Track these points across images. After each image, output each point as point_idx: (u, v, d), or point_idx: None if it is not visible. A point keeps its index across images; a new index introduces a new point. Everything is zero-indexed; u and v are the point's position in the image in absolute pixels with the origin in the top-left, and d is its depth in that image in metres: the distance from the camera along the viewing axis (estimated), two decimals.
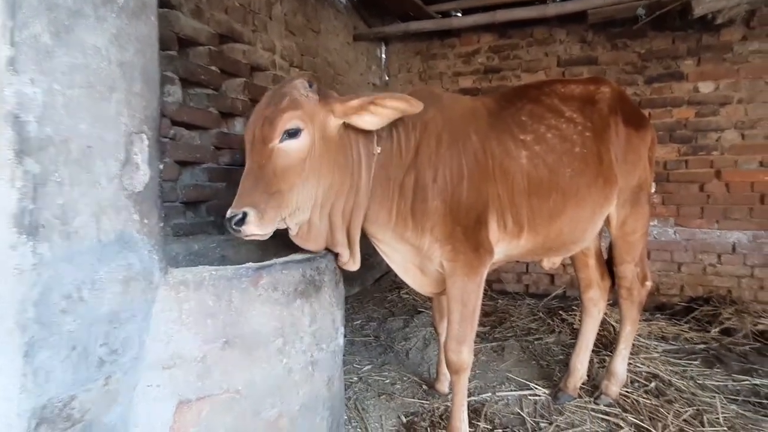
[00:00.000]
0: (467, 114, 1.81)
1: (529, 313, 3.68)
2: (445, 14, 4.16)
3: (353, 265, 1.68)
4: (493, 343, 3.09)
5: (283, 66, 3.00)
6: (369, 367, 2.70)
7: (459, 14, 4.23)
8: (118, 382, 1.12)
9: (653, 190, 3.87)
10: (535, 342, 3.10)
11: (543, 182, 1.79)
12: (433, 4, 3.90)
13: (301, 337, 1.47)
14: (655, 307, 3.78)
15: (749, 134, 3.62)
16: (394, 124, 1.73)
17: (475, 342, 3.05)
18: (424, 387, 2.45)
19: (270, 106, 1.41)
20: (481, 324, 3.52)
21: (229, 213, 1.34)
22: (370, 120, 1.51)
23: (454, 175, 1.68)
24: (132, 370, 1.14)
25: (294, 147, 1.42)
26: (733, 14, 2.92)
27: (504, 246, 1.83)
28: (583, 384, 2.32)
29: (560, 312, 3.55)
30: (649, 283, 2.22)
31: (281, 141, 1.40)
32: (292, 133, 1.41)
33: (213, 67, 2.35)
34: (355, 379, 2.54)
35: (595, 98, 2.00)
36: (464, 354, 1.76)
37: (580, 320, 2.46)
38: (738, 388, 2.41)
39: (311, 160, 1.45)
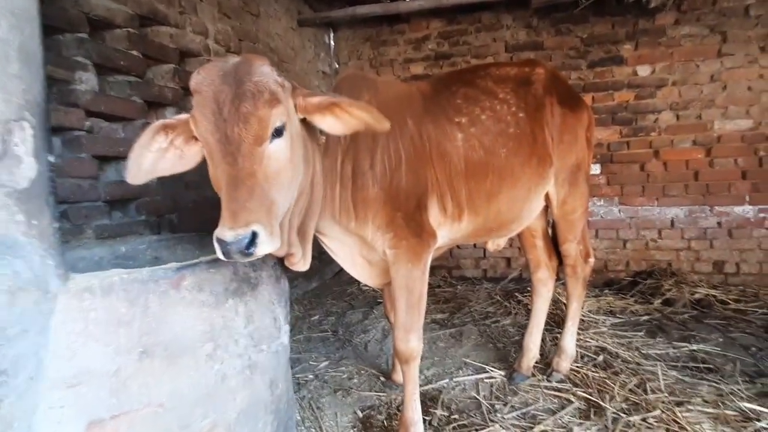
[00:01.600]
0: (402, 98, 1.76)
1: (487, 297, 3.73)
2: None
3: (304, 265, 1.57)
4: (452, 329, 3.09)
5: (219, 51, 2.81)
6: (326, 363, 2.62)
7: None
8: (12, 406, 0.97)
9: (599, 171, 4.02)
10: (492, 325, 3.13)
11: (479, 164, 1.78)
12: None
13: (235, 340, 1.36)
14: (604, 283, 3.94)
15: (683, 114, 3.80)
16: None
17: (433, 329, 3.11)
18: (382, 379, 2.40)
19: (246, 100, 1.14)
20: (440, 311, 3.54)
21: (229, 236, 1.06)
22: (332, 123, 1.32)
23: (391, 161, 1.63)
24: (29, 391, 1.00)
25: (282, 147, 1.22)
26: None
27: (446, 229, 1.81)
28: (536, 363, 2.36)
29: (516, 294, 3.61)
30: (591, 260, 2.28)
31: (271, 142, 1.19)
32: (278, 132, 1.21)
33: (134, 52, 2.15)
34: (311, 377, 2.45)
35: (530, 79, 2.00)
36: (413, 342, 1.71)
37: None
38: (678, 354, 2.53)
39: (292, 159, 1.28)
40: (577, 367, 2.33)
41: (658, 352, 2.55)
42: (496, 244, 2.19)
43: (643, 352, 2.55)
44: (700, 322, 3.04)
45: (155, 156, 1.24)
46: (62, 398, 1.04)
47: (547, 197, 2.08)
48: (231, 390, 1.32)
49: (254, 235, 1.08)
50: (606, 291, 3.71)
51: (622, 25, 3.85)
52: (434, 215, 1.74)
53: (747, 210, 3.71)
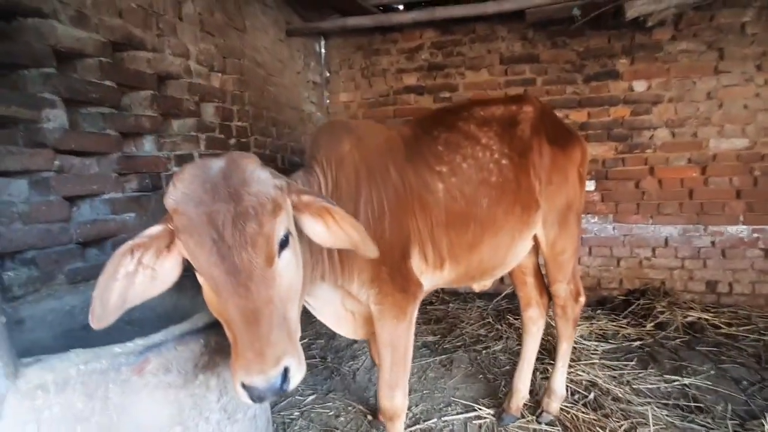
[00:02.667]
0: (384, 146, 1.69)
1: (479, 317, 3.68)
2: (387, 8, 3.94)
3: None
4: (442, 356, 3.04)
5: (201, 72, 2.69)
6: (312, 397, 2.56)
7: (401, 7, 4.03)
8: None
9: (593, 188, 3.95)
10: (483, 352, 3.08)
11: (460, 214, 1.71)
12: None
13: (206, 417, 1.29)
14: (596, 302, 3.91)
15: (679, 132, 3.73)
16: (310, 165, 1.56)
17: (424, 356, 3.06)
18: (369, 417, 2.35)
19: (251, 218, 0.99)
20: (431, 332, 3.49)
21: (262, 382, 0.94)
22: (320, 233, 1.18)
23: (375, 212, 1.55)
24: None
25: (290, 257, 1.09)
26: (663, 17, 2.94)
27: (427, 277, 1.75)
28: (526, 401, 2.31)
29: (508, 316, 3.57)
30: (582, 299, 2.22)
31: (279, 256, 1.05)
32: (284, 241, 1.06)
33: (107, 82, 2.03)
34: (296, 414, 2.40)
35: (517, 119, 1.92)
36: (397, 399, 1.66)
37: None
38: (669, 390, 2.50)
39: (298, 263, 1.15)
40: (568, 406, 2.28)
41: (650, 386, 2.51)
42: (482, 284, 2.13)
43: (634, 387, 2.51)
44: (692, 348, 3.01)
45: (123, 285, 1.04)
46: None
47: (535, 238, 2.01)
48: None
49: (286, 371, 0.97)
50: (599, 311, 3.67)
51: (619, 39, 3.76)
52: (416, 264, 1.68)
53: (741, 230, 3.68)
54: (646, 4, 2.80)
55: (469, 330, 3.46)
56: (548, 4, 3.11)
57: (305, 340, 3.36)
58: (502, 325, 3.45)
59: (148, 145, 2.30)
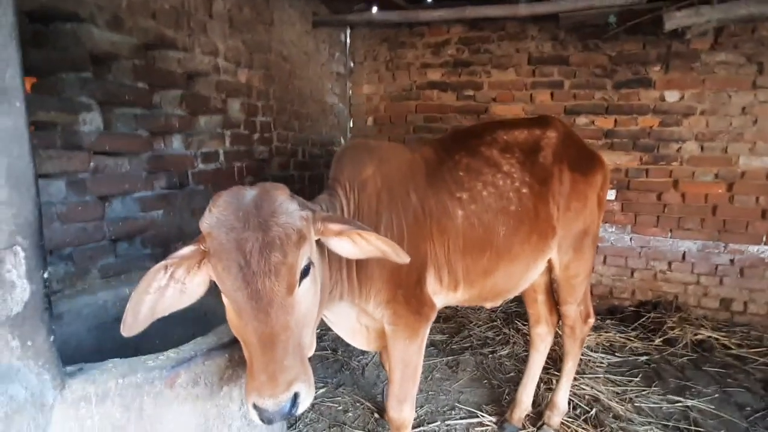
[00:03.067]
0: (405, 169, 1.71)
1: (487, 319, 3.74)
2: (415, 1, 3.86)
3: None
4: (449, 357, 3.13)
5: (229, 69, 2.72)
6: (323, 390, 2.69)
7: (430, 0, 3.94)
8: None
9: (614, 197, 3.90)
10: (490, 356, 3.16)
11: (478, 241, 1.74)
12: None
13: (229, 425, 1.39)
14: (607, 311, 3.92)
15: (708, 146, 3.63)
16: (333, 187, 1.60)
17: (431, 355, 3.15)
18: (376, 416, 2.46)
19: (276, 248, 1.04)
20: (440, 332, 3.57)
21: (272, 406, 1.00)
22: (348, 248, 1.24)
23: (394, 237, 1.59)
24: None
25: (309, 285, 1.15)
26: (703, 30, 2.82)
27: (441, 297, 1.81)
28: (528, 413, 2.39)
29: (516, 321, 3.62)
30: (591, 320, 2.25)
31: (299, 284, 1.11)
32: (305, 271, 1.12)
33: (140, 84, 2.08)
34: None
35: (540, 145, 1.91)
36: (405, 412, 1.74)
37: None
38: (671, 410, 2.54)
39: (316, 291, 1.22)
40: (569, 420, 2.35)
41: (652, 405, 2.56)
42: (493, 303, 2.18)
43: (636, 404, 2.56)
44: (699, 368, 3.03)
45: (153, 297, 1.11)
46: None
47: (549, 261, 2.03)
48: None
49: (296, 396, 1.03)
50: (608, 321, 3.69)
51: (654, 46, 3.62)
52: (430, 285, 1.73)
53: (762, 250, 3.61)
54: (686, 17, 2.69)
55: (476, 332, 3.53)
56: (583, 9, 3.01)
57: (318, 330, 3.48)
58: (509, 330, 3.50)
59: (176, 143, 2.36)
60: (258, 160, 3.07)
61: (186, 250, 1.13)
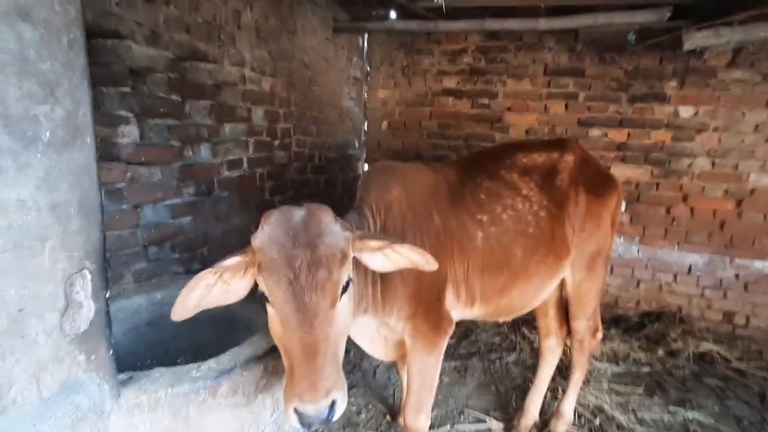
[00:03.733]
0: (429, 191, 1.80)
1: (494, 325, 3.83)
2: (432, 9, 3.90)
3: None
4: (457, 362, 3.23)
5: (254, 78, 2.79)
6: None
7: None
8: None
9: (623, 209, 3.96)
10: (497, 361, 3.25)
11: (496, 261, 1.83)
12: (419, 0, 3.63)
13: (262, 430, 1.50)
14: (612, 319, 4.00)
15: (719, 163, 3.68)
16: (360, 207, 1.68)
17: None
18: (388, 418, 2.57)
19: (323, 266, 1.15)
20: None
21: (313, 411, 1.09)
22: (380, 261, 1.33)
23: None
24: None
25: (347, 301, 1.26)
26: (721, 50, 2.86)
27: (457, 312, 1.90)
28: (535, 421, 2.49)
29: (523, 327, 3.71)
30: (599, 334, 2.34)
31: (339, 299, 1.21)
32: (345, 287, 1.23)
33: (173, 96, 2.17)
34: None
35: (557, 168, 1.99)
36: (421, 421, 1.84)
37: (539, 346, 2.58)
38: (671, 422, 2.63)
39: (352, 307, 1.33)
40: (574, 429, 2.45)
41: (654, 417, 2.65)
42: (505, 318, 2.27)
43: (638, 415, 2.66)
44: (700, 380, 3.12)
45: (201, 293, 1.22)
46: None
47: (562, 278, 2.11)
48: None
49: (333, 403, 1.12)
50: (612, 330, 3.77)
51: (671, 61, 3.66)
52: (449, 301, 1.82)
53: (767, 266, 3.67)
54: (706, 38, 2.73)
55: (483, 337, 3.63)
56: (603, 25, 3.05)
57: None
58: (516, 336, 3.60)
59: (204, 152, 2.45)
60: (278, 165, 3.15)
61: (233, 260, 1.23)
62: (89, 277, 1.08)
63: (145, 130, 2.07)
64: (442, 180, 1.86)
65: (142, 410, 1.22)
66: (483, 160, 2.04)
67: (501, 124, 4.25)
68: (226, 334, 2.02)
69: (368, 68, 4.58)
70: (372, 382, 2.96)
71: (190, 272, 2.30)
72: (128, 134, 1.97)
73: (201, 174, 2.42)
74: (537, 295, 2.00)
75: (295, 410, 1.11)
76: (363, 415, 2.60)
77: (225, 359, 1.44)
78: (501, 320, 2.33)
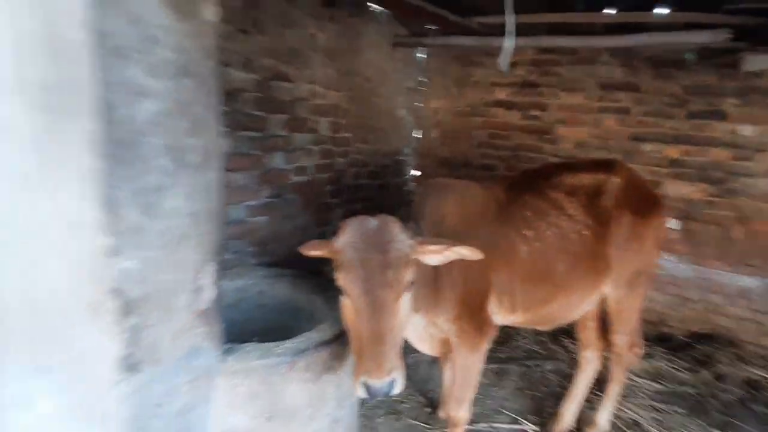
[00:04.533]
0: (479, 207, 1.99)
1: (534, 333, 3.93)
2: (488, 25, 4.04)
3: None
4: (495, 365, 3.38)
5: (322, 93, 3.10)
6: None
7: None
8: None
9: (677, 227, 3.91)
10: (535, 368, 3.37)
11: (538, 275, 1.99)
12: (475, 16, 3.80)
13: (326, 403, 1.77)
14: (657, 338, 3.97)
15: None
16: (416, 220, 1.90)
17: None
18: (428, 410, 2.79)
19: (392, 268, 1.39)
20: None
21: (378, 385, 1.35)
22: (435, 259, 1.58)
23: (466, 266, 1.87)
24: None
25: (408, 299, 1.50)
26: None
27: (500, 318, 2.08)
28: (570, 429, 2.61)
29: (562, 337, 3.79)
30: (638, 350, 2.42)
31: (402, 296, 1.44)
32: (408, 287, 1.46)
33: (257, 112, 2.50)
34: None
35: (603, 189, 2.11)
36: (462, 412, 2.05)
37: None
38: None
39: (410, 303, 1.55)
40: None
41: None
42: (546, 328, 2.42)
43: None
44: (746, 406, 3.07)
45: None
46: None
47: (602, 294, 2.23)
48: None
49: (393, 381, 1.38)
50: (657, 349, 3.75)
51: (731, 79, 3.58)
52: (492, 308, 2.00)
53: None
54: (765, 61, 2.71)
55: (522, 344, 3.74)
56: (660, 44, 3.08)
57: None
58: (556, 346, 3.69)
59: (278, 159, 2.79)
60: (337, 171, 3.45)
61: (316, 252, 1.54)
62: (212, 267, 1.40)
63: (234, 141, 2.43)
64: (491, 197, 2.05)
65: (239, 375, 1.53)
66: (530, 178, 2.20)
67: (551, 136, 4.33)
68: (290, 320, 2.32)
69: (422, 79, 4.79)
70: (415, 375, 3.19)
71: (262, 264, 2.64)
72: (223, 146, 2.32)
73: (275, 179, 2.75)
74: (577, 308, 2.14)
75: (364, 383, 1.37)
76: (405, 405, 2.83)
77: (300, 341, 1.73)
78: (542, 329, 2.48)
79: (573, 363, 3.20)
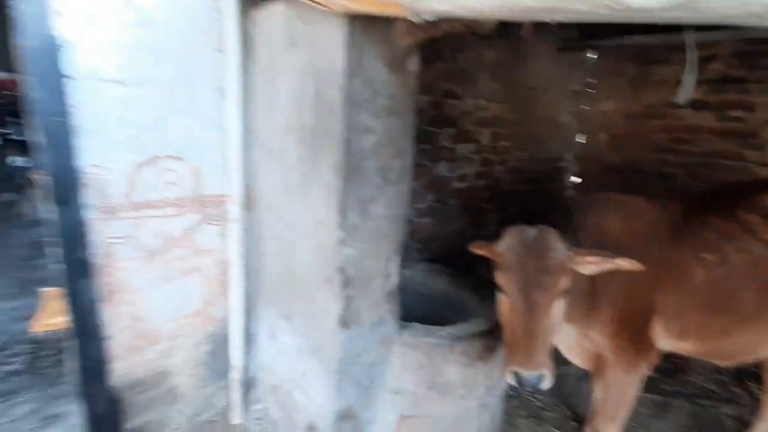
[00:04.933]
0: (648, 225, 1.91)
1: (713, 370, 3.43)
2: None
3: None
4: (658, 397, 3.11)
5: (485, 106, 3.32)
6: None
7: None
8: (370, 397, 1.89)
9: None
10: (708, 408, 2.99)
11: (718, 302, 1.82)
12: None
13: (477, 387, 2.04)
14: None
15: None
16: (575, 232, 1.96)
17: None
18: (573, 423, 2.79)
19: (548, 273, 1.53)
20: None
21: (527, 375, 1.51)
22: (591, 269, 1.65)
23: (628, 282, 1.86)
24: (378, 392, 1.91)
25: (560, 304, 1.61)
26: None
27: (666, 344, 1.96)
28: None
29: (749, 381, 3.21)
30: None
31: (557, 300, 1.57)
32: (561, 294, 1.58)
33: (430, 128, 2.88)
34: (514, 394, 3.03)
35: None
36: (612, 430, 2.05)
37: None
38: None
39: (562, 309, 1.66)
40: None
41: None
42: (725, 363, 2.17)
43: None
44: None
45: None
46: (391, 399, 1.92)
47: None
48: (470, 419, 2.02)
49: (541, 376, 1.55)
50: None
51: None
52: (658, 331, 1.92)
53: None
54: None
55: (696, 380, 3.31)
56: None
57: None
58: (739, 389, 3.16)
59: (443, 168, 3.13)
60: (495, 178, 3.64)
61: (482, 251, 1.72)
62: (397, 259, 1.80)
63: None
64: (665, 215, 1.95)
65: (409, 347, 1.91)
66: (717, 197, 2.01)
67: (756, 140, 3.64)
68: (443, 311, 2.64)
69: (591, 80, 4.54)
70: (562, 387, 3.18)
71: (424, 260, 3.03)
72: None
73: (439, 186, 3.11)
74: (766, 345, 1.90)
75: (514, 372, 1.56)
76: (549, 413, 2.88)
77: (459, 329, 2.02)
78: (722, 365, 2.22)
79: (756, 420, 2.72)
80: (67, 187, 1.37)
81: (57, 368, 2.32)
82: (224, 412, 2.19)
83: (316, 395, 1.86)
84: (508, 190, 3.84)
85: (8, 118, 5.46)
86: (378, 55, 1.47)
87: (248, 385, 2.24)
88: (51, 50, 1.24)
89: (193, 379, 2.03)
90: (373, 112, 1.52)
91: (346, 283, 1.61)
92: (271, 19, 1.78)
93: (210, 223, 1.90)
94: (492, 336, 2.02)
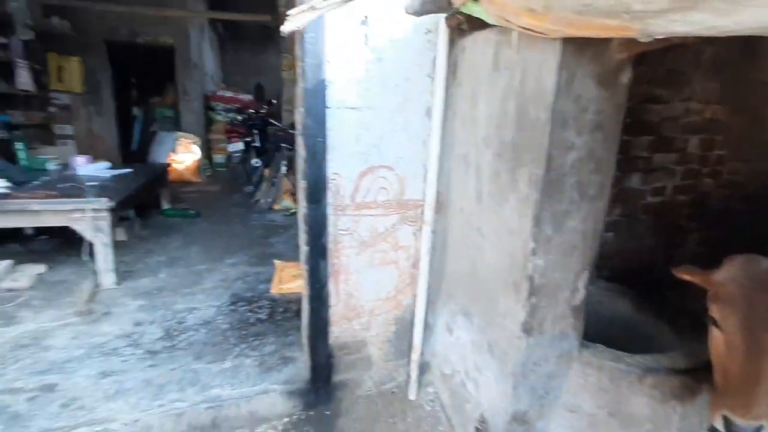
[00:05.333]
0: None
1: None
2: None
3: None
4: None
5: (696, 109, 2.87)
6: None
7: None
8: (544, 408, 1.91)
9: None
10: None
11: None
12: None
13: (668, 427, 1.84)
14: None
15: None
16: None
17: None
18: None
19: None
20: None
21: (743, 425, 1.32)
22: None
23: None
24: (552, 404, 1.91)
25: None
26: None
27: None
28: None
29: None
30: None
31: None
32: None
33: (624, 137, 2.65)
34: None
35: None
36: None
37: None
38: None
39: None
40: None
41: None
42: None
43: None
44: None
45: None
46: (564, 415, 1.90)
47: None
48: None
49: (759, 428, 1.33)
50: None
51: None
52: None
53: None
54: None
55: None
56: None
57: None
58: None
59: (635, 180, 2.84)
60: (701, 192, 3.11)
61: (693, 277, 1.54)
62: (587, 274, 1.77)
63: None
64: None
65: (591, 367, 1.84)
66: None
67: None
68: (621, 336, 2.42)
69: None
70: None
71: (603, 277, 2.82)
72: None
73: (628, 199, 2.84)
74: None
75: (724, 417, 1.37)
76: None
77: (650, 360, 1.86)
78: None
79: None
80: (319, 190, 1.82)
81: (289, 322, 3.00)
82: (402, 387, 2.49)
83: (489, 392, 1.97)
84: (720, 207, 3.23)
85: (253, 130, 7.16)
86: (589, 73, 1.48)
87: (423, 368, 2.49)
88: (321, 89, 1.66)
89: (381, 352, 2.39)
90: (578, 128, 1.53)
91: (533, 291, 1.67)
92: (475, 46, 1.94)
93: (407, 224, 2.20)
94: (693, 375, 1.80)
